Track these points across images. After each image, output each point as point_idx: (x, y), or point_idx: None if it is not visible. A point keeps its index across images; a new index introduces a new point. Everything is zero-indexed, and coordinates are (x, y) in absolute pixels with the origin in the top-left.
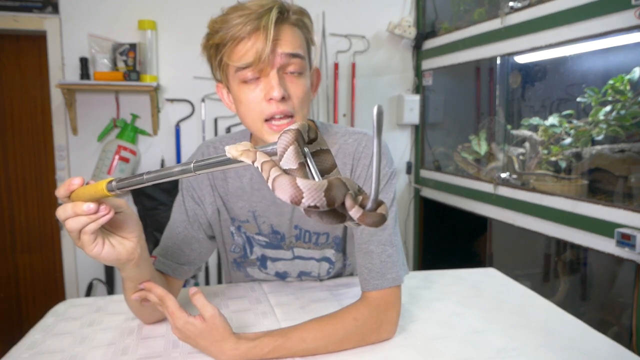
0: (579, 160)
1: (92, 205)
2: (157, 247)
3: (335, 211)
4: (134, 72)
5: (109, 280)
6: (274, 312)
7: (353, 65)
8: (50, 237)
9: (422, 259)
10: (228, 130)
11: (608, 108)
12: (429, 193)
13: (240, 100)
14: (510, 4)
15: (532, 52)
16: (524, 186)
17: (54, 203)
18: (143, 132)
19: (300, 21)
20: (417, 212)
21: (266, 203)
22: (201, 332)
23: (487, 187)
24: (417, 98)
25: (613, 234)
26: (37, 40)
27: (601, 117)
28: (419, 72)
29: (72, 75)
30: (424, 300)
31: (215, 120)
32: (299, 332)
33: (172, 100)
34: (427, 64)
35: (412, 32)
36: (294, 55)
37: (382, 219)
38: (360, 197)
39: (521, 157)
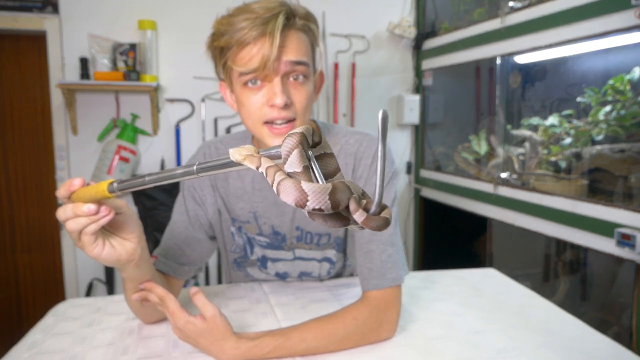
0: (579, 160)
1: (92, 207)
2: (158, 247)
3: (339, 214)
4: (134, 72)
5: (109, 280)
6: (274, 312)
7: (353, 65)
8: (50, 237)
9: (422, 259)
10: (228, 130)
11: (608, 108)
12: (429, 193)
13: (243, 103)
14: (510, 4)
15: (532, 52)
16: (524, 186)
17: (54, 203)
18: (143, 132)
19: (307, 26)
20: (417, 212)
21: (267, 204)
22: (202, 332)
23: (487, 187)
24: (417, 98)
25: (613, 234)
26: (37, 40)
27: (601, 117)
28: (419, 72)
29: (72, 75)
30: (424, 300)
31: (215, 120)
32: (299, 331)
33: (172, 100)
34: (427, 64)
35: (412, 32)
36: (298, 63)
37: (386, 223)
38: (364, 201)
39: (521, 157)
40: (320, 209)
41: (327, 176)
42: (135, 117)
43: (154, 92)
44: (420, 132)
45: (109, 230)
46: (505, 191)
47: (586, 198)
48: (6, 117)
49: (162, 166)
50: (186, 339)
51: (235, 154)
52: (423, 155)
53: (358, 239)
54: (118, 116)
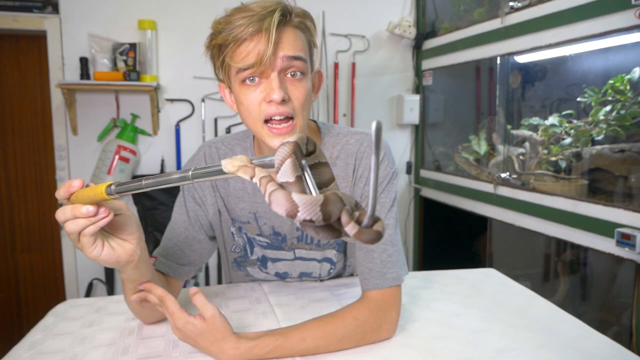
0: (579, 160)
1: (91, 208)
2: (158, 247)
3: (331, 226)
4: (134, 72)
5: (109, 280)
6: (274, 312)
7: (353, 65)
8: (50, 237)
9: (422, 259)
10: (228, 130)
11: (608, 108)
12: (429, 193)
13: (241, 101)
14: (510, 4)
15: (532, 52)
16: (524, 186)
17: (54, 203)
18: (143, 132)
19: (303, 24)
20: (417, 212)
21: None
22: (201, 332)
23: (487, 187)
24: (417, 98)
25: (613, 234)
26: (37, 40)
27: (601, 117)
28: (419, 72)
29: (72, 75)
30: (424, 300)
31: (215, 120)
32: (299, 331)
33: (172, 100)
34: (427, 64)
35: (412, 32)
36: (295, 58)
37: (378, 236)
38: (357, 213)
39: (521, 157)
40: (311, 221)
41: (321, 186)
42: (135, 117)
43: (154, 92)
44: (420, 132)
45: (108, 231)
46: (505, 191)
47: (586, 198)
48: (6, 117)
49: (162, 166)
50: (186, 339)
51: (228, 165)
52: (423, 155)
53: None
54: (118, 116)
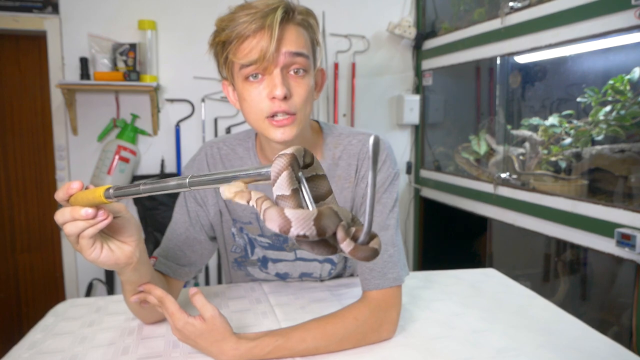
0: (579, 160)
1: (90, 211)
2: (158, 247)
3: (326, 242)
4: (134, 72)
5: (109, 280)
6: (274, 312)
7: (353, 65)
8: (50, 237)
9: (422, 259)
10: (228, 130)
11: (608, 108)
12: (429, 193)
13: (244, 97)
14: (510, 4)
15: (532, 52)
16: (524, 186)
17: (54, 203)
18: (143, 132)
19: (306, 21)
20: (417, 212)
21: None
22: (201, 333)
23: (487, 187)
24: (417, 98)
25: (613, 234)
26: (37, 40)
27: (601, 117)
28: (419, 72)
29: (72, 75)
30: (424, 300)
31: (215, 120)
32: (299, 331)
33: (172, 100)
34: (427, 64)
35: (412, 32)
36: (298, 54)
37: (374, 254)
38: (353, 229)
39: (521, 157)
40: (305, 236)
41: (318, 199)
42: (135, 117)
43: (154, 92)
44: (420, 132)
45: (108, 233)
46: (505, 191)
47: (586, 198)
48: (6, 117)
49: (162, 166)
50: (185, 340)
51: (225, 192)
52: (423, 155)
53: None
54: (118, 116)
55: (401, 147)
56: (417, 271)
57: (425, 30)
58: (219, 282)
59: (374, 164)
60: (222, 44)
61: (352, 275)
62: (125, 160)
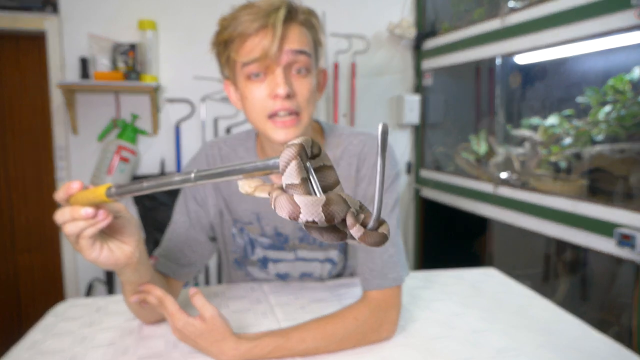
0: (579, 161)
1: (90, 210)
2: (158, 247)
3: (335, 228)
4: (134, 72)
5: (109, 280)
6: (274, 312)
7: (353, 65)
8: (50, 237)
9: (422, 259)
10: (228, 130)
11: (608, 108)
12: (429, 193)
13: (246, 96)
14: (510, 4)
15: (532, 52)
16: (524, 186)
17: (54, 203)
18: (143, 132)
19: (308, 21)
20: (417, 212)
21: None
22: (201, 333)
23: (487, 187)
24: (417, 98)
25: (613, 234)
26: (37, 40)
27: (601, 117)
28: (419, 72)
29: (72, 75)
30: (424, 300)
31: (215, 120)
32: (299, 332)
33: (172, 100)
34: (427, 64)
35: (412, 32)
36: (300, 53)
37: (384, 239)
38: (362, 216)
39: (521, 157)
40: (314, 222)
41: (326, 189)
42: (135, 117)
43: (154, 92)
44: (420, 132)
45: (108, 233)
46: (505, 191)
47: (586, 198)
48: (6, 117)
49: (162, 166)
50: (185, 340)
51: (245, 187)
52: (423, 155)
53: None
54: (118, 116)
55: (401, 147)
56: (417, 271)
57: (425, 30)
58: (219, 282)
59: (382, 151)
60: (225, 43)
61: (352, 275)
62: (125, 160)
